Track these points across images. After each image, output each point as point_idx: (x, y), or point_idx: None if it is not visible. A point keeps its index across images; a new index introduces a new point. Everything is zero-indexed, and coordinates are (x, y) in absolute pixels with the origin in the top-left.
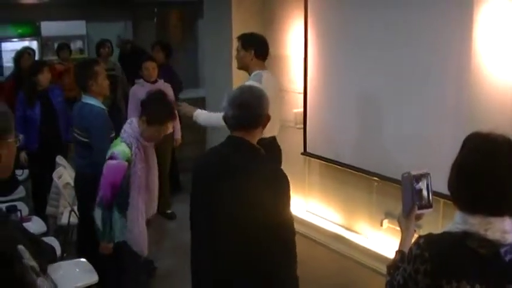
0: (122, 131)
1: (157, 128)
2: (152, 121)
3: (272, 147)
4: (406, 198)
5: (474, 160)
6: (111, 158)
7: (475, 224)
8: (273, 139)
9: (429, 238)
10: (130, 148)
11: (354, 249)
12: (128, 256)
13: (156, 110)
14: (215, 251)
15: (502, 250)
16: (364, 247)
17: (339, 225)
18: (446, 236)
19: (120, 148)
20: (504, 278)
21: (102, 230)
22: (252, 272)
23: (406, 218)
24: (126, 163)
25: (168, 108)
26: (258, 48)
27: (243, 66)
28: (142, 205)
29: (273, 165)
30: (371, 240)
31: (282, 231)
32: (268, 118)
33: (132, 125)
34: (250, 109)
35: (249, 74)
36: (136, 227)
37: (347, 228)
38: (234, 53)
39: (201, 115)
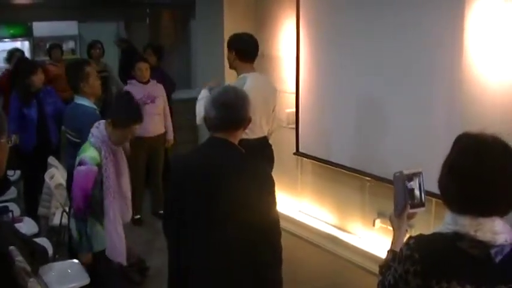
0: (90, 134)
1: (123, 131)
2: (117, 124)
3: (264, 147)
4: (398, 197)
5: (464, 160)
6: (80, 164)
7: (465, 224)
8: (264, 139)
9: (419, 239)
10: (99, 152)
11: (346, 249)
12: (105, 267)
13: (121, 113)
14: (214, 249)
15: (493, 251)
16: (356, 247)
17: (332, 225)
18: (436, 236)
19: (88, 153)
20: (494, 278)
21: (79, 241)
22: (245, 270)
23: (398, 218)
24: (96, 168)
25: (133, 111)
26: (240, 50)
27: (231, 67)
28: (118, 212)
29: (260, 165)
30: (363, 240)
31: (270, 231)
32: (249, 120)
33: (99, 128)
34: (235, 110)
35: (237, 76)
36: (114, 236)
37: (339, 228)
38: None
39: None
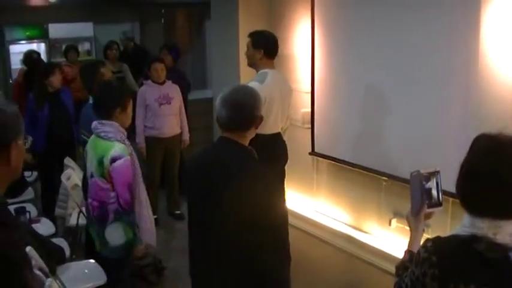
0: (102, 134)
1: (129, 108)
2: (126, 105)
3: (278, 143)
4: (415, 197)
5: (482, 162)
6: (114, 160)
7: (484, 227)
8: (278, 135)
9: (437, 241)
10: (124, 144)
11: (362, 248)
12: (128, 269)
13: (122, 94)
14: (212, 251)
15: (511, 254)
16: (372, 246)
17: (348, 224)
18: (454, 239)
19: (116, 148)
20: None
21: (133, 236)
22: (245, 272)
23: (415, 217)
24: (129, 157)
25: (123, 85)
26: (268, 48)
27: (252, 64)
28: (147, 196)
29: (265, 167)
30: (379, 239)
31: (275, 232)
32: (261, 119)
33: (107, 123)
34: (245, 109)
35: (256, 72)
36: (146, 218)
37: (355, 228)
38: (244, 49)
39: None
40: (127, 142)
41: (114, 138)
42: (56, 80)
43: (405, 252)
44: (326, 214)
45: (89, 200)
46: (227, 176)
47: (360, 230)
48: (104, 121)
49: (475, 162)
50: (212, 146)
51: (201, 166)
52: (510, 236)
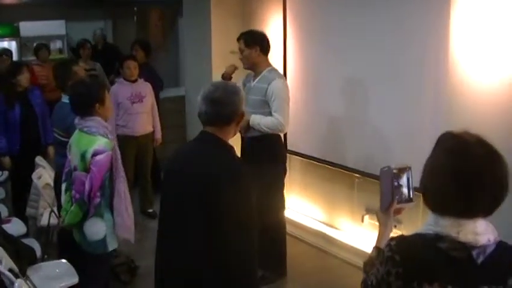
0: (86, 129)
1: (108, 99)
2: (104, 99)
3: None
4: (384, 192)
5: (445, 160)
6: (96, 154)
7: (447, 226)
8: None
9: (400, 240)
10: (107, 138)
11: (335, 245)
12: (97, 267)
13: (98, 89)
14: (185, 248)
15: (474, 252)
16: (345, 243)
17: (320, 221)
18: (417, 238)
19: (100, 142)
20: (477, 280)
21: (78, 220)
22: (218, 269)
23: (384, 213)
24: (111, 152)
25: (97, 80)
26: (263, 44)
27: (250, 65)
28: (127, 192)
29: (244, 166)
30: (352, 236)
31: (251, 228)
32: (241, 115)
33: (90, 119)
34: (222, 106)
35: (256, 72)
36: (125, 214)
37: (328, 225)
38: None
39: (256, 118)
40: (110, 136)
41: (98, 132)
42: (24, 78)
43: (373, 248)
44: (298, 211)
45: (73, 192)
46: (204, 173)
47: (333, 227)
48: (89, 117)
49: (439, 160)
50: (193, 140)
51: (177, 164)
52: (473, 235)
